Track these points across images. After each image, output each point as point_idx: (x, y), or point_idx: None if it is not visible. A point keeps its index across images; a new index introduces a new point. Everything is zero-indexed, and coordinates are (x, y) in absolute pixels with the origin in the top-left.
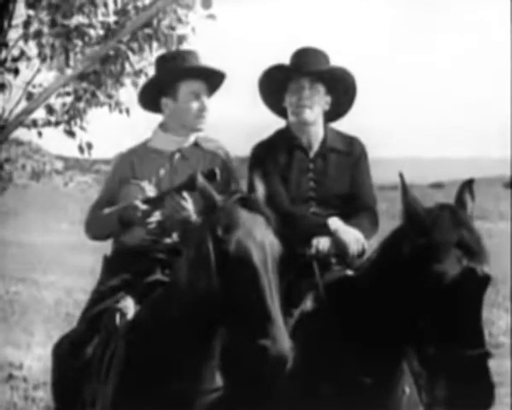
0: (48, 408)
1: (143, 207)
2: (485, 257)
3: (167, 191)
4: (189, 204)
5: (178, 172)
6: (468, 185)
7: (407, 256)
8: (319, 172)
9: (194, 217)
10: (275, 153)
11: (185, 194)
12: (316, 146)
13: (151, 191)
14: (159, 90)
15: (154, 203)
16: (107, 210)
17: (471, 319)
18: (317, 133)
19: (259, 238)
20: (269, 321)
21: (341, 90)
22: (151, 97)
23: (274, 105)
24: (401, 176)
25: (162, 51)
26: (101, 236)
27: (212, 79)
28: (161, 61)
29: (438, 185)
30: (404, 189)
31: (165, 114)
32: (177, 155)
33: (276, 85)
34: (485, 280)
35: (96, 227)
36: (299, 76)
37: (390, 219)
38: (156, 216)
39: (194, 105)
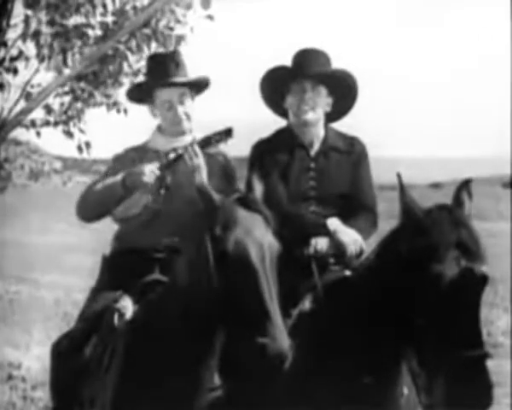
0: (46, 408)
1: (151, 169)
2: (483, 257)
3: (178, 155)
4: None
5: (175, 171)
6: (465, 185)
7: (405, 256)
8: (320, 171)
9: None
10: (275, 151)
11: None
12: (317, 145)
13: (156, 170)
14: (141, 101)
15: (163, 168)
16: (108, 180)
17: (469, 319)
18: (318, 133)
19: (258, 237)
20: (267, 319)
21: (343, 92)
22: (138, 102)
23: (275, 106)
24: (399, 176)
25: (160, 51)
26: (97, 211)
27: (192, 84)
28: (148, 63)
29: (436, 185)
30: (402, 189)
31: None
32: (172, 155)
33: (278, 86)
34: (484, 280)
35: (94, 201)
36: (301, 78)
37: (389, 218)
38: (163, 179)
39: (168, 114)
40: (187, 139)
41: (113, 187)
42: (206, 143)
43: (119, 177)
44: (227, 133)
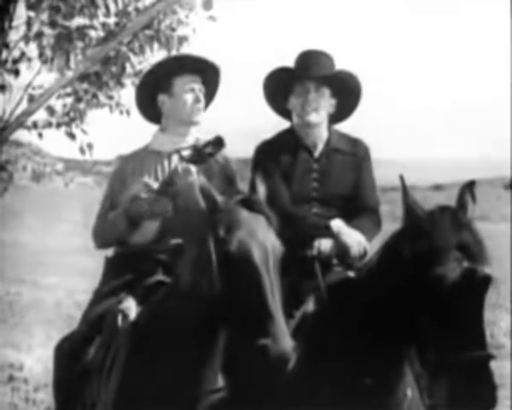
0: None
1: (147, 195)
2: (485, 258)
3: (171, 174)
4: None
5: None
6: (468, 187)
7: (408, 258)
8: (323, 173)
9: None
10: (278, 153)
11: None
12: (320, 146)
13: (154, 184)
14: (155, 88)
15: (159, 192)
16: (112, 213)
17: (472, 320)
18: (321, 134)
19: (261, 238)
20: (270, 320)
21: (346, 93)
22: (148, 96)
23: (278, 107)
24: (401, 178)
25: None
26: (110, 241)
27: (207, 75)
28: (168, 59)
29: (438, 187)
30: (405, 191)
31: (163, 114)
32: (174, 156)
33: (281, 88)
34: (486, 281)
35: (104, 232)
36: (304, 79)
37: (391, 220)
38: (164, 203)
39: (189, 97)
40: (189, 140)
41: (120, 221)
42: (198, 158)
43: (120, 210)
44: (218, 143)
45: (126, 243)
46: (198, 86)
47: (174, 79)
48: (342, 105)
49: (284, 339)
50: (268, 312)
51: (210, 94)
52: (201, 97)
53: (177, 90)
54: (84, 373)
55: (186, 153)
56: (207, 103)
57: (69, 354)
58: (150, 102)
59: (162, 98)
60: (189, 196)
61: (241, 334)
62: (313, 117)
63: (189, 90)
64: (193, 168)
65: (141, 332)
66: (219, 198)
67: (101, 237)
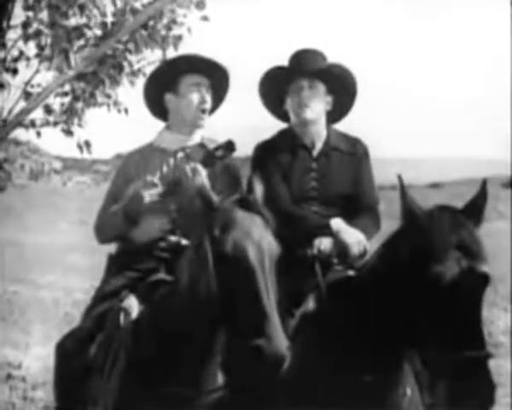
0: (46, 408)
1: (148, 192)
2: (484, 257)
3: (178, 174)
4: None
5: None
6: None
7: (407, 258)
8: (322, 172)
9: (207, 184)
10: (277, 152)
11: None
12: (319, 145)
13: (158, 183)
14: (162, 86)
15: (165, 192)
16: (113, 207)
17: (471, 319)
18: (319, 133)
19: (257, 238)
20: (265, 320)
21: (341, 88)
22: (155, 94)
23: (275, 109)
24: (400, 178)
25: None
26: (109, 236)
27: (216, 77)
28: (175, 58)
29: (436, 185)
30: (403, 191)
31: (169, 113)
32: (180, 154)
33: (276, 89)
34: (485, 280)
35: (103, 228)
36: (298, 77)
37: (389, 219)
38: (166, 204)
39: (195, 97)
40: (195, 139)
41: (118, 217)
42: (208, 161)
43: (120, 206)
44: (229, 147)
45: (129, 240)
46: (204, 87)
47: (181, 78)
48: (339, 102)
49: (279, 339)
50: (263, 312)
51: (219, 96)
52: (207, 98)
53: (183, 90)
54: (86, 371)
55: (191, 151)
56: (216, 106)
57: (71, 352)
58: (157, 100)
59: (168, 97)
60: (195, 196)
61: (237, 334)
62: (308, 113)
63: (195, 90)
64: (202, 169)
65: (142, 330)
66: (215, 198)
67: (102, 232)
